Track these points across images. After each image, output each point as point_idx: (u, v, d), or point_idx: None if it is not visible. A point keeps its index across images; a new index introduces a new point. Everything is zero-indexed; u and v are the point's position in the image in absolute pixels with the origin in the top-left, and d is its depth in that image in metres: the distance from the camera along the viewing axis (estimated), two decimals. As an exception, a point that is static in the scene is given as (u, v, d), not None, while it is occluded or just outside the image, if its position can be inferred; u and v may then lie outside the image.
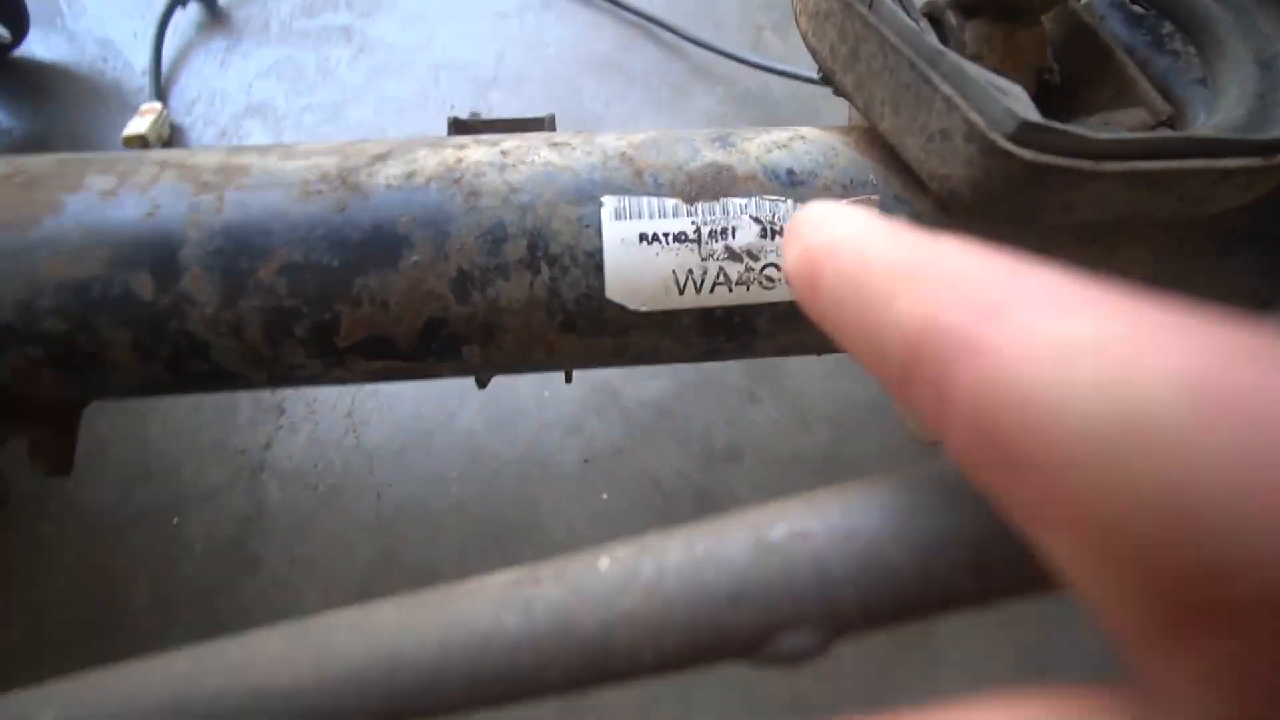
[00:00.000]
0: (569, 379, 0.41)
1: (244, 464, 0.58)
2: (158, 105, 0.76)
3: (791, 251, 0.12)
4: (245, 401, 0.60)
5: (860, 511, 0.10)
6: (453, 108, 0.80)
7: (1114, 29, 0.33)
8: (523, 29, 0.87)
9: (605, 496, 0.58)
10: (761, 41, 0.88)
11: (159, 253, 0.26)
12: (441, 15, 0.87)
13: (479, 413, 0.60)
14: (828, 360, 0.65)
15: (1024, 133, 0.21)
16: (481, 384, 0.41)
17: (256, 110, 0.79)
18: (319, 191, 0.26)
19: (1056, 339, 0.07)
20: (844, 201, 0.26)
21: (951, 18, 0.31)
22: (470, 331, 0.26)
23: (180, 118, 0.79)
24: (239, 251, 0.26)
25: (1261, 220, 0.29)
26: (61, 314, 0.25)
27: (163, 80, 0.81)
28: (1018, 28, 0.30)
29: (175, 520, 0.55)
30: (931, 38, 0.25)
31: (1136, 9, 0.33)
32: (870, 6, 0.25)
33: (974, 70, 0.22)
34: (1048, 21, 0.34)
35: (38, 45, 0.82)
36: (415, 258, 0.25)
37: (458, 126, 0.35)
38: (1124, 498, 0.06)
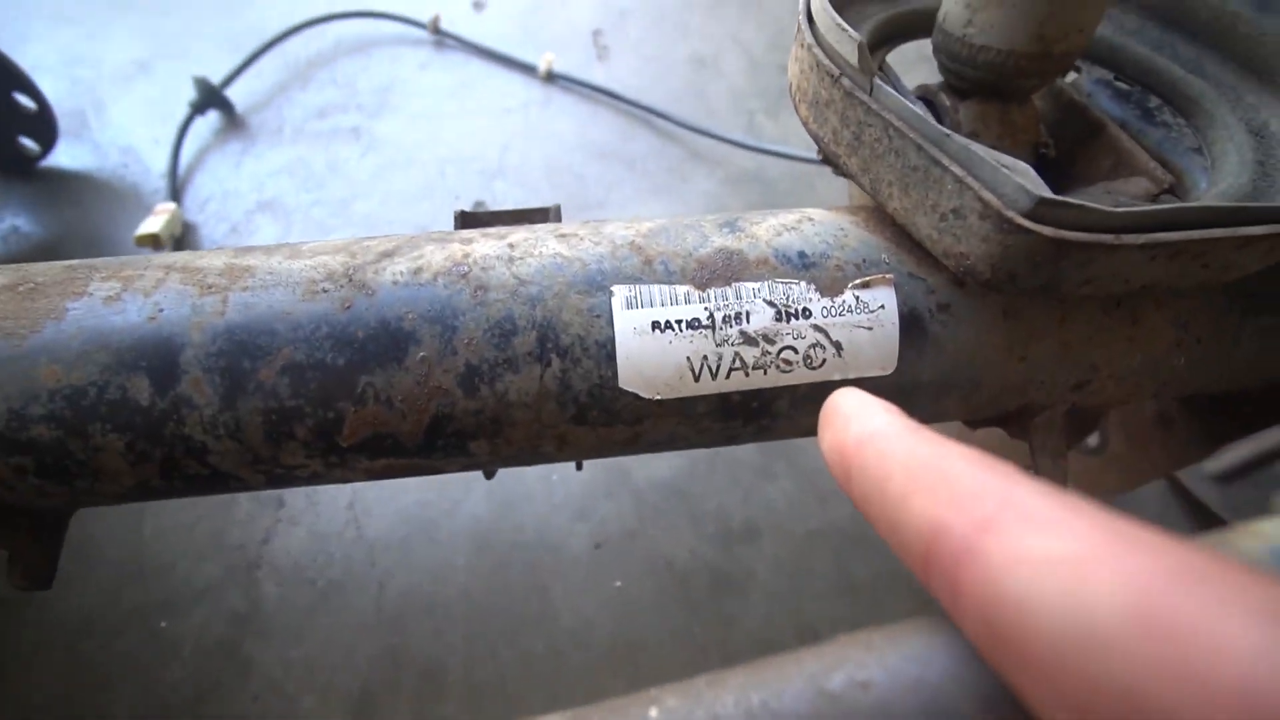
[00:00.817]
0: (579, 466, 0.40)
1: (240, 560, 0.56)
2: (172, 205, 0.79)
3: (825, 439, 0.15)
4: (244, 495, 0.59)
5: (923, 657, 0.09)
6: (458, 198, 0.82)
7: (1103, 104, 0.34)
8: (526, 123, 0.91)
9: (619, 583, 0.55)
10: (754, 125, 0.92)
11: (159, 356, 0.25)
12: (447, 114, 0.92)
13: (485, 498, 0.58)
14: None
15: (1041, 209, 0.20)
16: (489, 474, 0.39)
17: (267, 206, 0.82)
18: (324, 290, 0.25)
19: (1037, 554, 0.09)
20: (858, 281, 0.26)
21: (945, 99, 0.31)
22: (478, 427, 0.25)
23: (193, 216, 0.81)
24: (241, 353, 0.25)
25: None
26: (53, 420, 0.24)
27: (179, 182, 0.84)
28: (1011, 106, 0.31)
29: (163, 623, 0.52)
30: (931, 119, 0.25)
31: (1121, 85, 0.34)
32: (871, 93, 0.25)
33: (981, 150, 0.22)
34: (1038, 99, 0.35)
35: (64, 155, 0.86)
36: (422, 354, 0.24)
37: (464, 220, 0.35)
38: (1089, 691, 0.08)
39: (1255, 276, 0.26)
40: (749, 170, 0.86)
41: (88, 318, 0.25)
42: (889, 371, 0.26)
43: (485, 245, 0.27)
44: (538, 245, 0.27)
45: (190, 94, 0.87)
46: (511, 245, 0.27)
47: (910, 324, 0.26)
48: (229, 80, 0.91)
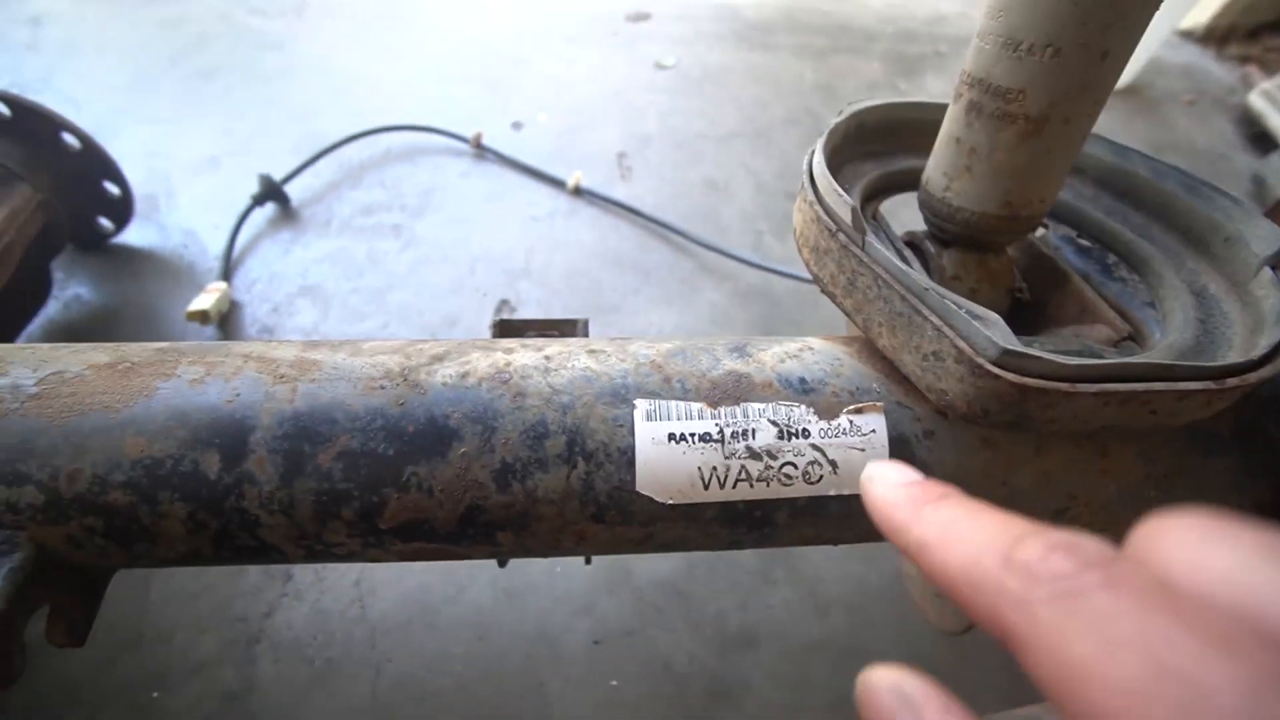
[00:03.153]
0: (588, 560, 0.41)
1: (240, 633, 0.55)
2: (222, 285, 0.84)
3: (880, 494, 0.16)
4: (253, 567, 0.59)
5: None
6: (485, 295, 0.87)
7: (1069, 257, 0.38)
8: (551, 230, 0.98)
9: (615, 683, 0.54)
10: (762, 244, 0.98)
11: (232, 435, 0.27)
12: (481, 218, 0.99)
13: (489, 586, 0.59)
14: (855, 550, 0.63)
15: (1006, 358, 0.24)
16: (502, 563, 0.40)
17: (308, 291, 0.87)
18: (381, 387, 0.28)
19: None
20: (852, 407, 0.28)
21: (930, 245, 0.36)
22: (508, 519, 0.27)
23: (241, 295, 0.87)
24: (303, 437, 0.27)
25: (1244, 422, 0.31)
26: (130, 487, 0.27)
27: (231, 264, 0.90)
28: (988, 255, 0.35)
29: (155, 694, 0.51)
30: (916, 265, 0.28)
31: (1083, 242, 0.39)
32: (864, 248, 0.29)
33: (957, 302, 0.25)
34: (1012, 250, 0.39)
35: (132, 234, 0.92)
36: (464, 449, 0.26)
37: (502, 329, 0.38)
38: None
39: (1210, 421, 0.29)
40: (755, 285, 0.92)
41: (175, 397, 0.28)
42: None
43: (525, 356, 0.30)
44: (570, 359, 0.30)
45: (253, 188, 0.96)
46: (548, 358, 0.30)
47: (899, 447, 0.28)
48: (289, 178, 0.99)
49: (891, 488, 0.16)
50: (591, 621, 0.57)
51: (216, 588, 0.58)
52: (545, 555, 0.30)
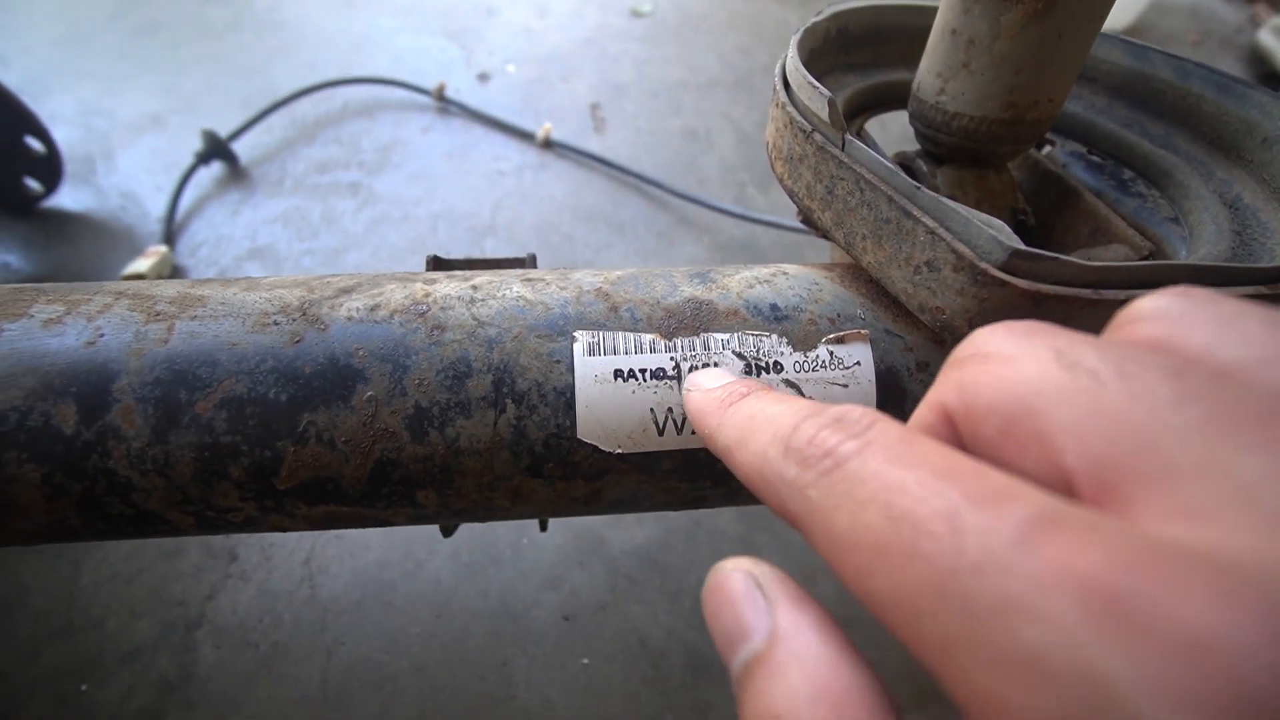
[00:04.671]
0: (544, 526, 0.37)
1: (179, 618, 0.51)
2: (163, 248, 0.79)
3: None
4: (193, 546, 0.55)
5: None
6: (448, 254, 0.83)
7: (1078, 175, 0.34)
8: (519, 185, 0.94)
9: (586, 661, 0.51)
10: (744, 196, 0.94)
11: (91, 383, 0.23)
12: (444, 174, 0.94)
13: (449, 560, 0.55)
14: None
15: (1016, 261, 0.20)
16: (446, 532, 0.37)
17: (258, 253, 0.82)
18: (275, 323, 0.24)
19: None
20: (832, 336, 0.25)
21: (923, 164, 0.32)
22: (426, 475, 0.24)
23: (184, 260, 0.81)
24: (179, 383, 0.23)
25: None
26: None
27: (174, 226, 0.84)
28: (988, 172, 0.31)
29: (83, 686, 0.48)
30: (901, 173, 0.25)
31: (1094, 158, 0.35)
32: (843, 147, 0.25)
33: (953, 204, 0.22)
34: (1014, 169, 0.35)
35: (66, 197, 0.87)
36: (370, 393, 0.23)
37: (436, 264, 0.34)
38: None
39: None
40: (737, 238, 0.88)
41: (22, 339, 0.24)
42: None
43: (448, 286, 0.27)
44: (501, 288, 0.27)
45: (198, 146, 0.89)
46: (475, 287, 0.27)
47: (888, 382, 0.25)
48: (236, 134, 0.93)
49: (703, 394, 0.18)
50: (560, 596, 0.54)
51: (152, 569, 0.54)
52: (481, 518, 0.27)
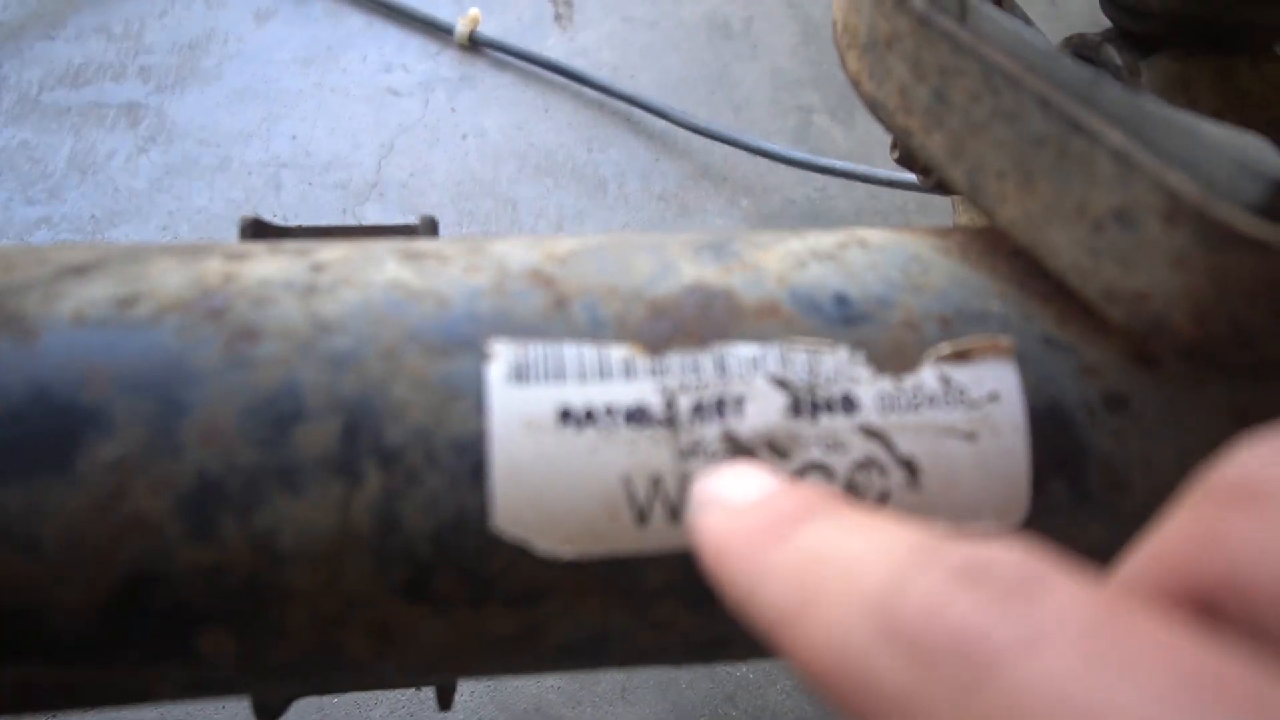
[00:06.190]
0: (445, 704, 0.37)
1: None
2: None
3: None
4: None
5: None
6: (290, 223, 0.84)
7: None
8: (426, 114, 0.97)
9: None
10: (810, 131, 0.96)
11: None
12: (294, 92, 0.97)
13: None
14: None
15: (1284, 201, 0.21)
16: (266, 715, 0.37)
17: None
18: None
19: None
20: (949, 349, 0.25)
21: (1115, 55, 0.34)
22: (216, 599, 0.24)
23: None
24: None
25: None
26: None
27: None
28: (1237, 63, 0.32)
29: None
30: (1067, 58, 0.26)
31: None
32: (963, 18, 0.26)
33: (1165, 108, 0.23)
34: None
35: None
36: (113, 453, 0.24)
37: (257, 231, 0.35)
38: None
39: None
40: (798, 202, 0.90)
41: None
42: (1013, 524, 0.26)
43: (269, 264, 0.28)
44: (364, 268, 0.28)
45: None
46: (317, 267, 0.28)
47: (1052, 432, 0.25)
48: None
49: (728, 516, 0.18)
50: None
51: None
52: (319, 687, 0.29)
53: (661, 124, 0.95)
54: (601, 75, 0.97)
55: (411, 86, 0.98)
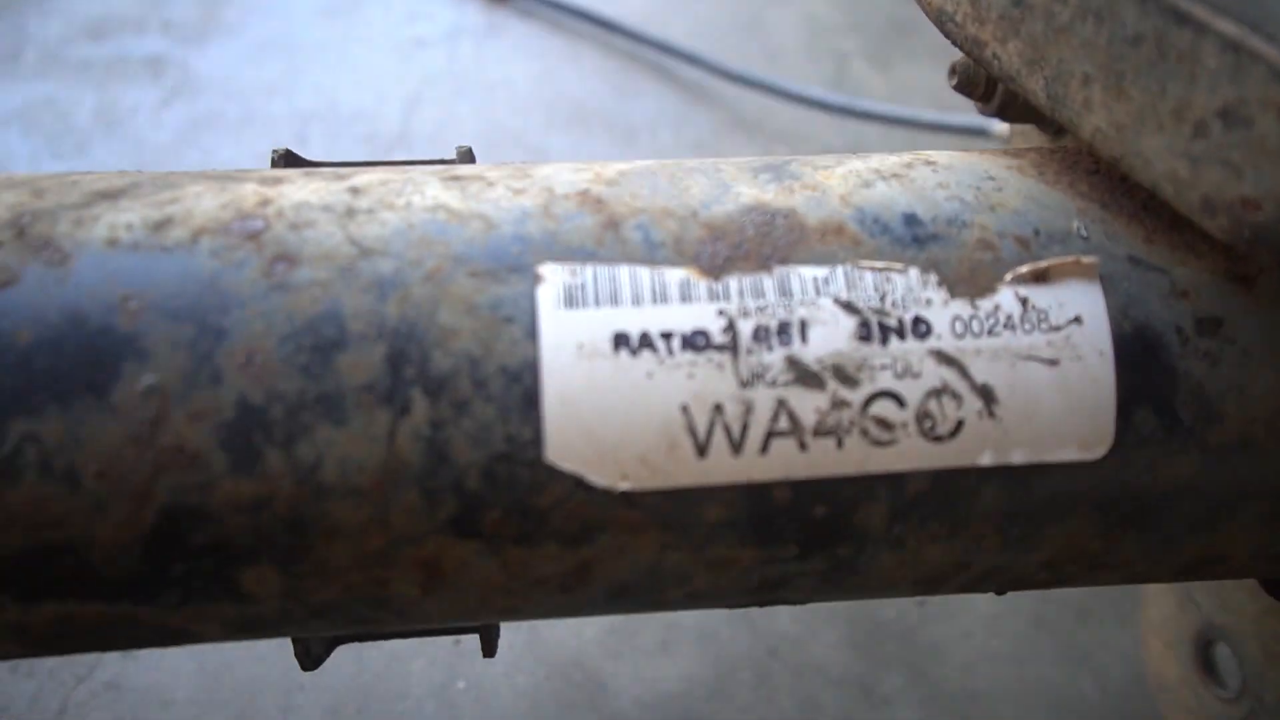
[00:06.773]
0: (490, 650, 0.38)
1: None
2: None
3: None
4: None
5: None
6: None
7: None
8: (452, 64, 0.97)
9: None
10: (848, 76, 0.97)
11: None
12: (318, 43, 0.98)
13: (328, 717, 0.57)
14: (1018, 627, 0.61)
15: None
16: (309, 662, 0.37)
17: (-25, 176, 0.85)
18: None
19: None
20: (1027, 269, 0.26)
21: None
22: (259, 536, 0.25)
23: None
24: None
25: None
26: None
27: None
28: None
29: None
30: None
31: None
32: None
33: None
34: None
35: None
36: (149, 380, 0.24)
37: (288, 162, 0.36)
38: None
39: None
40: (837, 148, 0.90)
41: None
42: (1096, 455, 0.26)
43: (306, 188, 0.28)
44: (404, 192, 0.28)
45: None
46: (355, 190, 0.28)
47: (1139, 358, 0.26)
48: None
49: None
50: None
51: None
52: (365, 624, 0.29)
53: (693, 72, 0.95)
54: (632, 22, 0.98)
55: (437, 36, 0.99)
